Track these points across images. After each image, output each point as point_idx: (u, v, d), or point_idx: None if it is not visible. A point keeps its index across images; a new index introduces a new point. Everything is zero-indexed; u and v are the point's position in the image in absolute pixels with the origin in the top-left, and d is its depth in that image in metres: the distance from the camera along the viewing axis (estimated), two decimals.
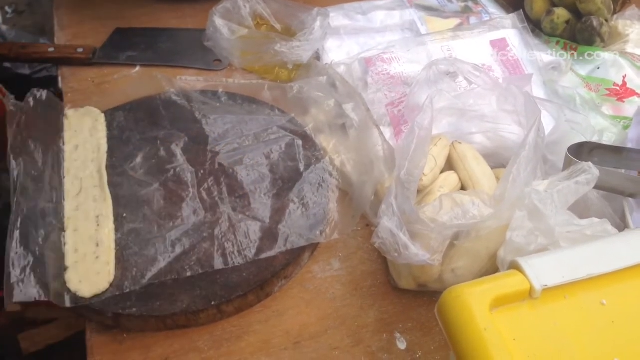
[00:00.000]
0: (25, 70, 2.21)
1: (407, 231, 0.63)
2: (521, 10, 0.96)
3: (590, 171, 0.64)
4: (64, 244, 0.72)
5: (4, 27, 2.33)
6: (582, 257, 0.50)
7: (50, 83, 2.20)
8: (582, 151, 0.70)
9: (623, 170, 0.72)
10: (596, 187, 0.69)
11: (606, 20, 0.96)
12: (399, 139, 0.79)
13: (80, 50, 1.00)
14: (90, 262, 0.71)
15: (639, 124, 0.76)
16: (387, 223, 0.63)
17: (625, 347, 0.46)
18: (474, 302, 0.47)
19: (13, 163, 0.77)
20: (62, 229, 0.74)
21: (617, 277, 0.49)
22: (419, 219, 0.62)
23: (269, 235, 0.74)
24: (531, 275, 0.48)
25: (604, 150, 0.71)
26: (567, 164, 0.69)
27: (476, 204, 0.63)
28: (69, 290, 0.69)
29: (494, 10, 1.04)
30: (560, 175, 0.66)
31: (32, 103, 0.83)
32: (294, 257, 0.73)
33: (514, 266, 0.50)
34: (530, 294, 0.48)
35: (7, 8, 2.62)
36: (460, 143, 0.76)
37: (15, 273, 0.68)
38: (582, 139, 0.74)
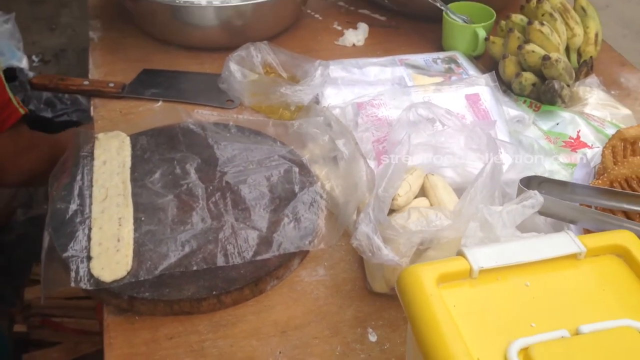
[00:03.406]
0: (48, 114, 2.38)
1: (380, 236, 0.76)
2: (494, 71, 1.11)
3: (535, 197, 0.77)
4: (90, 239, 0.85)
5: (31, 74, 2.51)
6: (512, 249, 0.62)
7: (71, 127, 2.36)
8: (531, 183, 0.84)
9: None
10: (542, 214, 0.83)
11: (568, 85, 1.11)
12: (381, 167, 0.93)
13: (111, 85, 1.15)
14: (111, 254, 0.83)
15: (582, 167, 0.90)
16: (364, 228, 0.76)
17: (541, 315, 0.58)
18: (424, 277, 0.59)
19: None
20: (89, 227, 0.86)
21: (539, 266, 0.61)
22: (390, 225, 0.75)
23: (265, 241, 0.86)
24: (471, 259, 0.61)
25: (551, 183, 0.84)
26: (519, 193, 0.83)
27: (438, 216, 0.77)
28: (92, 276, 0.81)
29: (473, 73, 1.19)
30: (512, 202, 0.79)
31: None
32: (285, 260, 0.85)
33: (459, 253, 0.62)
34: (469, 274, 0.61)
35: (34, 57, 2.83)
36: (432, 175, 0.90)
37: (50, 265, 0.81)
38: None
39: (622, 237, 0.65)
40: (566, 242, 0.63)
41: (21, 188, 2.06)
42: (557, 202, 0.82)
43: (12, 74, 2.36)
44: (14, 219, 2.11)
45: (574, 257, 0.63)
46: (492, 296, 0.60)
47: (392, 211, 0.85)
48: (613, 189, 0.83)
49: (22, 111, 1.20)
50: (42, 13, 3.17)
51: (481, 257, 0.61)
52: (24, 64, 2.61)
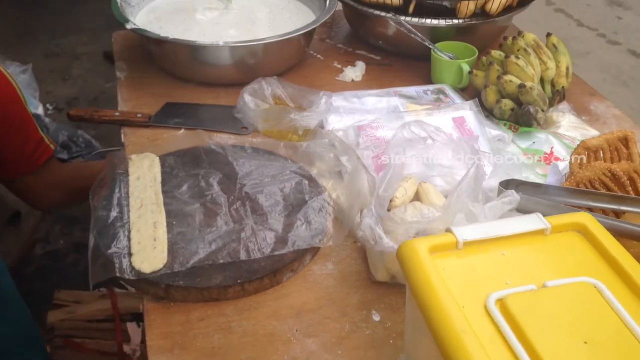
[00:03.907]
0: (64, 155, 2.53)
1: (381, 227, 0.89)
2: (477, 98, 1.26)
3: (512, 196, 0.92)
4: (130, 239, 0.98)
5: (47, 119, 2.67)
6: (491, 226, 0.76)
7: None
8: (510, 185, 0.98)
9: None
10: (519, 210, 0.96)
11: (542, 110, 1.26)
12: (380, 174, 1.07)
13: (139, 115, 1.30)
14: (149, 250, 0.96)
15: (554, 174, 1.05)
16: (368, 220, 0.90)
17: (514, 276, 0.71)
18: (419, 247, 0.73)
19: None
20: (129, 230, 1.00)
21: (512, 239, 0.75)
22: (390, 217, 0.89)
23: (281, 240, 1.00)
24: (457, 234, 0.74)
25: (527, 185, 0.99)
26: (499, 194, 0.97)
27: (430, 210, 0.90)
28: (133, 268, 0.94)
29: (459, 102, 1.35)
30: (494, 200, 0.93)
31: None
32: (299, 256, 0.98)
33: (448, 230, 0.76)
34: (456, 246, 0.74)
35: (48, 105, 2.99)
36: (425, 182, 1.04)
37: (95, 260, 0.95)
38: None
39: (581, 217, 0.78)
40: (535, 220, 0.77)
41: (41, 223, 2.18)
42: (532, 199, 0.96)
43: None
44: (33, 252, 2.23)
45: (541, 232, 0.76)
46: (474, 262, 0.73)
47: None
48: (579, 188, 0.97)
49: (52, 147, 1.35)
50: (56, 65, 3.36)
51: (465, 232, 0.75)
52: (39, 111, 2.77)
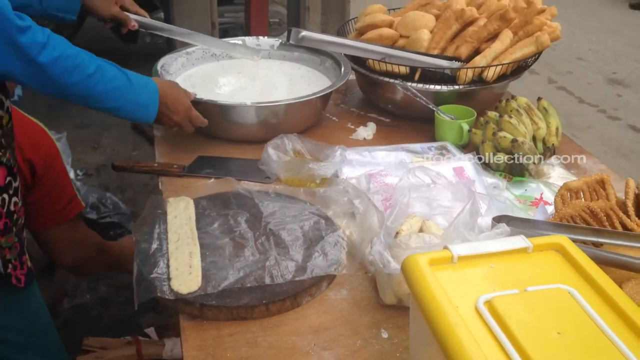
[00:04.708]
0: (93, 216, 2.69)
1: (389, 253, 1.03)
2: (475, 152, 1.42)
3: (503, 227, 1.06)
4: (169, 267, 1.12)
5: (78, 183, 2.86)
6: (482, 244, 0.90)
7: (112, 227, 2.66)
8: (502, 220, 1.12)
9: None
10: None
11: (534, 162, 1.41)
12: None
13: (175, 166, 1.46)
14: (186, 275, 1.10)
15: (541, 213, 1.19)
16: (378, 247, 1.03)
17: (500, 284, 0.84)
18: (421, 261, 0.86)
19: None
20: (168, 259, 1.14)
21: (500, 255, 0.88)
22: (396, 244, 1.03)
23: (301, 268, 1.13)
24: (453, 250, 0.88)
25: (517, 220, 1.13)
26: (492, 227, 1.11)
27: (431, 238, 1.04)
28: (172, 290, 1.07)
29: (460, 156, 1.50)
30: (487, 232, 1.07)
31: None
32: (317, 282, 1.12)
33: (445, 247, 0.90)
34: (451, 260, 0.88)
35: (78, 171, 3.18)
36: (427, 220, 1.18)
37: (139, 284, 1.09)
38: None
39: (559, 239, 0.92)
40: (519, 240, 0.91)
41: (72, 275, 2.32)
42: (521, 232, 1.09)
43: None
44: (61, 306, 2.35)
45: (524, 250, 0.90)
46: (467, 273, 0.87)
47: None
48: (562, 223, 1.11)
49: (82, 204, 1.52)
50: (87, 136, 3.58)
51: (459, 249, 0.89)
52: (71, 175, 2.96)
